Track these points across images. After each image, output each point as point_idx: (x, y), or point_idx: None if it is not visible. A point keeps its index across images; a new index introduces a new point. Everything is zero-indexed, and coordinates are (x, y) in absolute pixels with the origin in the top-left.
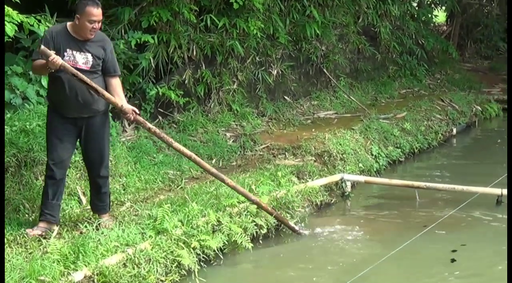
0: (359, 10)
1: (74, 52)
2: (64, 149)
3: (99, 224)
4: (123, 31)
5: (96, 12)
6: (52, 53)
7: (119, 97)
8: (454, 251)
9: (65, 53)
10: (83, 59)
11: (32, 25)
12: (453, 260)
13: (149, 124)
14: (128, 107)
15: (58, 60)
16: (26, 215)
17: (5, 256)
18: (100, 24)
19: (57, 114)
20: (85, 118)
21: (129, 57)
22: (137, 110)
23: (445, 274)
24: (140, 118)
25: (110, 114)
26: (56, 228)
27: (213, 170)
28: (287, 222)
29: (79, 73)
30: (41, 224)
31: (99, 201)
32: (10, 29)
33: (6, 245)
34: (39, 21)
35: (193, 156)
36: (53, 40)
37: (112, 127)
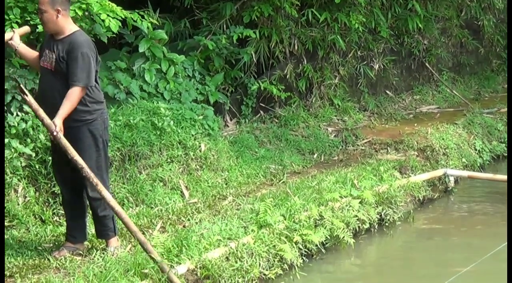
0: (462, 3)
1: (47, 51)
2: (59, 163)
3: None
4: (225, 26)
5: None
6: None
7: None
8: None
9: (43, 53)
10: (49, 59)
11: (135, 21)
12: None
13: (71, 151)
14: (50, 122)
15: None
16: (130, 208)
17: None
18: (41, 16)
19: None
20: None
21: (231, 52)
22: (55, 129)
23: None
24: (62, 141)
25: (211, 108)
26: (83, 247)
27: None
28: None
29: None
30: (67, 244)
31: (100, 225)
32: (114, 25)
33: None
34: (142, 17)
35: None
36: (44, 40)
37: (214, 121)
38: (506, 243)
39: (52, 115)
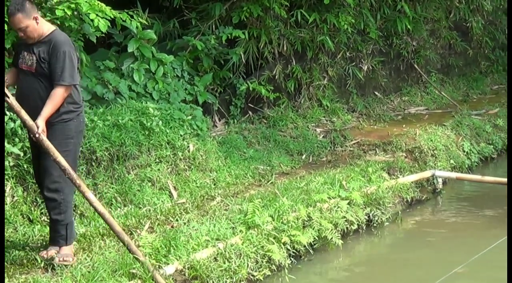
0: (450, 5)
1: (26, 53)
2: (36, 164)
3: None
4: (214, 26)
5: (11, 20)
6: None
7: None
8: None
9: (20, 55)
10: (29, 61)
11: (124, 20)
12: None
13: (53, 153)
14: (32, 123)
15: None
16: (119, 208)
17: (98, 248)
18: (25, 32)
19: None
20: None
21: (219, 52)
22: (38, 131)
23: None
24: (45, 142)
25: (200, 108)
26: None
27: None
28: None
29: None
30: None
31: (52, 229)
32: (103, 25)
33: (99, 238)
34: (131, 16)
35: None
36: (19, 42)
37: (203, 122)
38: (501, 240)
39: (32, 117)
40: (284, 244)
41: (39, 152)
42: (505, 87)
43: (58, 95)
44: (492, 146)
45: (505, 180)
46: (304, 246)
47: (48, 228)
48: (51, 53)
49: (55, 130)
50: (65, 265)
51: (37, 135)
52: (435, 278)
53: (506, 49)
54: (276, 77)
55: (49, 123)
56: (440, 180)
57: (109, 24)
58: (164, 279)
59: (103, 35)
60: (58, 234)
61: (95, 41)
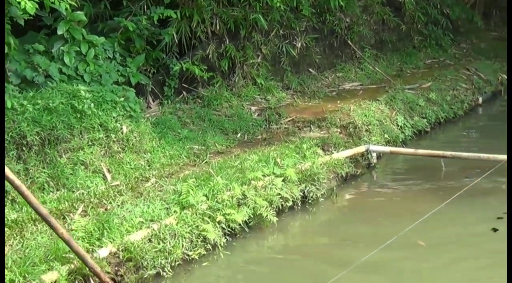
0: None
1: None
2: None
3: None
4: (145, 7)
5: None
6: None
7: None
8: (500, 218)
9: None
10: None
11: (53, 2)
12: (495, 230)
13: None
14: None
15: None
16: (51, 193)
17: (30, 234)
18: None
19: None
20: None
21: (152, 33)
22: None
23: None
24: None
25: (132, 90)
26: None
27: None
28: None
29: None
30: None
31: None
32: (30, 7)
33: (31, 224)
34: None
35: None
36: None
37: (136, 103)
38: (433, 211)
39: None
40: (219, 223)
41: None
42: (438, 61)
43: None
44: (425, 120)
45: (437, 152)
46: (239, 224)
47: None
48: None
49: None
50: None
51: None
52: (369, 251)
53: (438, 24)
54: (210, 56)
55: None
56: (374, 155)
57: (37, 6)
58: (97, 262)
59: (32, 17)
60: None
61: (23, 24)
